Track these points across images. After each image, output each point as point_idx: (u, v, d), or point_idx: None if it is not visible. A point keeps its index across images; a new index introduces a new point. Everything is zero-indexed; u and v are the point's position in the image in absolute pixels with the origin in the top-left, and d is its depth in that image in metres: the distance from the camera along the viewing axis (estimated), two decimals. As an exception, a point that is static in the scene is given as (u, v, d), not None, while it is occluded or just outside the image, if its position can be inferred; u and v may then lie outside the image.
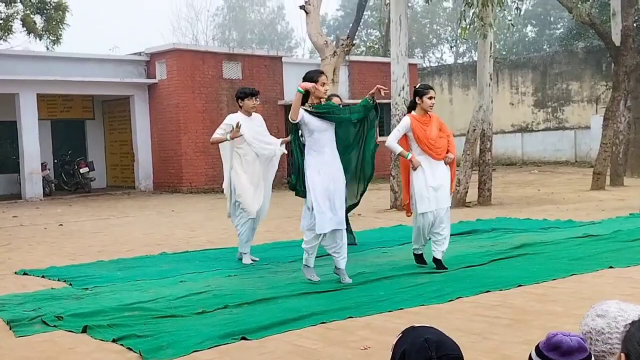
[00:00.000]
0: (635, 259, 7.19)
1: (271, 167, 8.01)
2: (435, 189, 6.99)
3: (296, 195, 6.96)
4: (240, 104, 7.89)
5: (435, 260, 7.10)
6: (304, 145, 6.62)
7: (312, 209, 6.42)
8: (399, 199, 13.14)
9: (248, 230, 7.88)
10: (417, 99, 7.19)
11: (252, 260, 7.91)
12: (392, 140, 7.13)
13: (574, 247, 8.14)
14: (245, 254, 7.91)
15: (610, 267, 6.89)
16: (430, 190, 6.98)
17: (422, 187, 6.99)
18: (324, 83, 6.55)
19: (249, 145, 7.77)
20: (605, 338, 1.98)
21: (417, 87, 7.37)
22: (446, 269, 6.98)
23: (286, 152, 8.09)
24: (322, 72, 6.78)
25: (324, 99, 6.71)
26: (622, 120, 18.24)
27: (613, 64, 17.43)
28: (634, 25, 18.39)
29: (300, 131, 6.63)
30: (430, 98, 7.09)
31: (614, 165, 17.28)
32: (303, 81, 6.54)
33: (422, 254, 7.28)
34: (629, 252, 7.63)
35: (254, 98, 7.90)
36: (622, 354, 1.66)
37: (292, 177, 6.88)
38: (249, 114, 7.87)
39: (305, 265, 6.65)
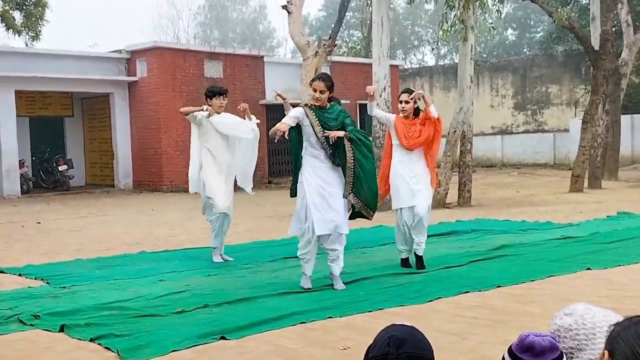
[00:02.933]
0: (612, 261, 7.27)
1: (250, 149, 8.00)
2: (412, 189, 7.03)
3: (292, 196, 6.64)
4: (209, 103, 7.86)
5: (416, 256, 7.16)
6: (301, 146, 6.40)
7: (305, 212, 6.23)
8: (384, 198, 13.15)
9: (219, 224, 7.86)
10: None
11: (224, 259, 7.90)
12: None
13: (552, 248, 8.21)
14: (215, 248, 7.90)
15: (588, 268, 6.95)
16: (407, 188, 7.03)
17: (399, 183, 7.05)
18: (315, 90, 6.30)
19: (220, 136, 7.79)
20: (572, 334, 2.03)
21: None
22: (424, 267, 7.04)
23: (258, 121, 8.08)
24: (319, 77, 6.44)
25: (318, 104, 6.32)
26: (601, 124, 18.46)
27: (592, 68, 17.61)
28: (613, 29, 18.62)
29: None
30: (400, 102, 7.15)
31: (592, 168, 17.46)
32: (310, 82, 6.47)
33: (407, 258, 7.27)
34: (606, 254, 7.71)
35: (221, 97, 7.85)
36: (606, 352, 1.69)
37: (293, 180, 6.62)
38: (217, 113, 7.85)
39: (303, 273, 6.40)
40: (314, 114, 6.32)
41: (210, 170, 7.80)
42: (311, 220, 6.20)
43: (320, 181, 6.26)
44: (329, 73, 23.79)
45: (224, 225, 7.94)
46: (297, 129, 6.40)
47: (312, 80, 6.48)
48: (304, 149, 6.38)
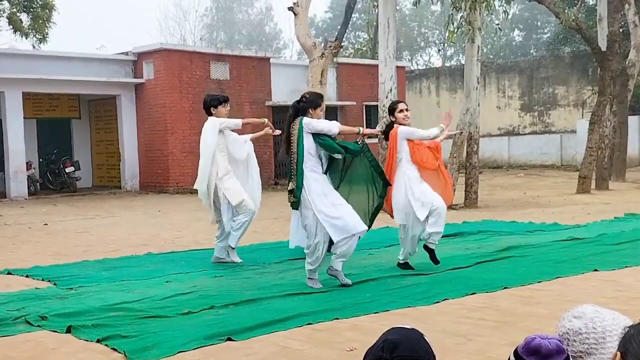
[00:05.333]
0: (619, 263, 7.24)
1: (251, 167, 8.04)
2: (419, 199, 7.00)
3: (294, 207, 6.59)
4: (213, 112, 7.76)
5: (428, 249, 7.14)
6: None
7: (315, 227, 6.26)
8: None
9: (248, 224, 7.89)
10: (391, 117, 7.28)
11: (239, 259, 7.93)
12: (430, 132, 7.14)
13: (559, 250, 8.18)
14: (233, 249, 7.89)
15: (595, 270, 6.93)
16: (413, 201, 6.97)
17: (401, 198, 7.01)
18: (324, 109, 6.60)
19: (228, 152, 7.82)
20: (582, 338, 2.01)
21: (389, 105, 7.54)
22: (438, 262, 7.08)
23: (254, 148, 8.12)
24: (322, 97, 6.75)
25: None
26: (608, 125, 18.38)
27: (599, 69, 17.55)
28: (620, 30, 18.56)
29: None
30: (401, 111, 7.14)
31: (599, 169, 17.39)
32: (307, 102, 6.46)
33: (407, 262, 7.26)
34: (613, 256, 7.68)
35: (227, 104, 7.80)
36: (619, 353, 1.68)
37: (295, 185, 6.42)
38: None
39: (310, 278, 6.47)
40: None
41: (229, 176, 7.78)
42: (323, 234, 6.23)
43: (325, 193, 6.33)
44: (335, 74, 23.85)
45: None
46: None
47: (320, 99, 6.57)
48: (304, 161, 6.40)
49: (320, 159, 6.45)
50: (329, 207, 6.27)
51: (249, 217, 7.83)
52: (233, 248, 7.91)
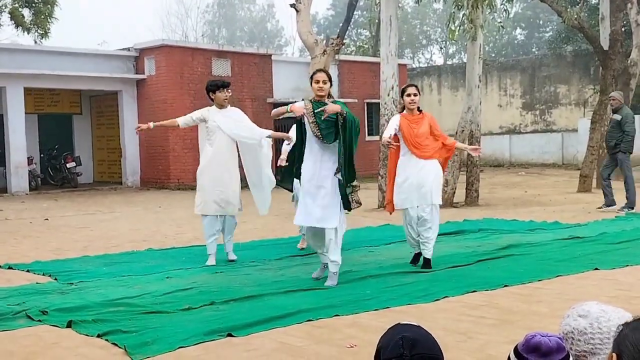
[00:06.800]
0: (620, 261, 7.23)
1: (262, 156, 7.84)
2: (417, 187, 7.04)
3: (279, 184, 6.98)
4: (212, 97, 7.64)
5: (423, 259, 7.15)
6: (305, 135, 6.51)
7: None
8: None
9: (210, 227, 7.64)
10: (401, 99, 7.33)
11: (229, 259, 7.70)
12: (385, 136, 7.09)
13: (559, 248, 8.18)
14: (210, 254, 7.61)
15: (596, 269, 6.93)
16: (412, 187, 7.03)
17: (403, 183, 7.07)
18: (318, 81, 6.43)
19: (224, 135, 7.54)
20: (587, 338, 1.99)
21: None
22: (430, 268, 7.02)
23: (271, 142, 7.94)
24: (319, 70, 6.67)
25: (324, 98, 6.41)
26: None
27: (601, 68, 17.52)
28: (622, 29, 18.51)
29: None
30: (408, 95, 7.12)
31: (600, 168, 17.36)
32: (310, 79, 6.57)
33: (418, 253, 7.28)
34: (614, 255, 7.68)
35: (225, 90, 7.60)
36: (614, 354, 1.66)
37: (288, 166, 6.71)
38: (221, 106, 7.62)
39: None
40: (311, 106, 6.41)
41: (205, 168, 7.64)
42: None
43: (310, 176, 6.40)
44: (337, 71, 23.82)
45: (220, 226, 7.70)
46: (299, 123, 6.54)
47: (313, 74, 6.56)
48: (306, 143, 6.49)
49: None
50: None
51: (205, 221, 7.69)
52: (209, 254, 7.63)
